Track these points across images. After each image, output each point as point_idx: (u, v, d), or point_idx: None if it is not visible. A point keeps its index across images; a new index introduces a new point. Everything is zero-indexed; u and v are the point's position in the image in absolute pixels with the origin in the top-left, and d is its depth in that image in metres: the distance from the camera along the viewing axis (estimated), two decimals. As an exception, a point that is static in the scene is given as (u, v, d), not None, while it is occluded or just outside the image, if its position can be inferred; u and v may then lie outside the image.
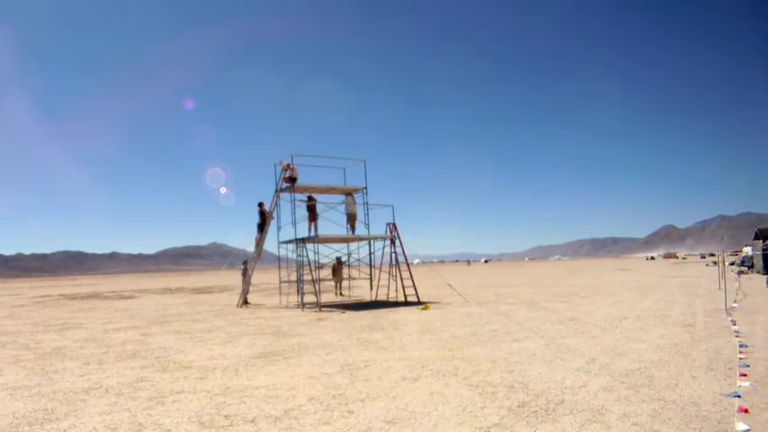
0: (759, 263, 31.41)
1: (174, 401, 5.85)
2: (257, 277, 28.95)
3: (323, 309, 16.48)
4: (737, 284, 19.40)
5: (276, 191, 18.43)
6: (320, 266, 19.10)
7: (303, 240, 17.36)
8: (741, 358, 7.12)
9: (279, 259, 18.86)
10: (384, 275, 18.97)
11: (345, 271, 21.50)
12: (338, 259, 21.02)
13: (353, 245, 20.41)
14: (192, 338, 10.88)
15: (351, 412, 5.26)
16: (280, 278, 19.26)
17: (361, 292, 22.99)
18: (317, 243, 18.07)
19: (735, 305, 13.77)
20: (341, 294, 21.78)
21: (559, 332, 10.09)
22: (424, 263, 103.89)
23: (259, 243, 19.09)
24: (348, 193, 19.00)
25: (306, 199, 18.04)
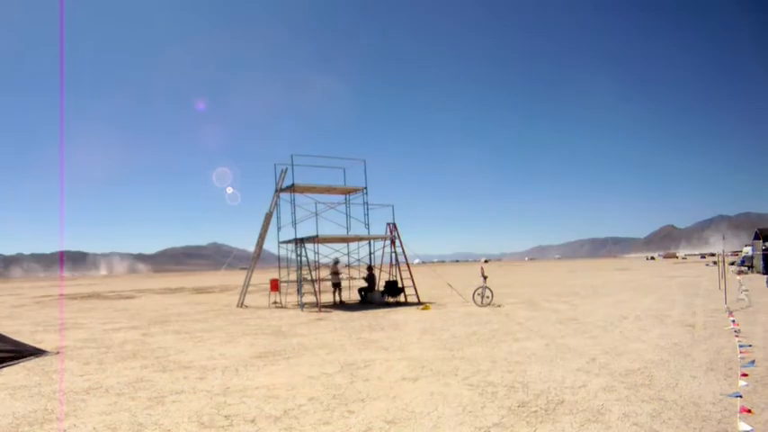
0: (759, 263, 31.40)
1: (174, 401, 5.85)
2: (257, 277, 28.96)
3: (323, 309, 16.48)
4: (738, 284, 19.38)
5: (276, 191, 18.45)
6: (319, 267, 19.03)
7: (303, 240, 17.35)
8: (742, 358, 7.12)
9: (279, 259, 18.85)
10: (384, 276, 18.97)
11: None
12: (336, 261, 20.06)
13: (353, 245, 20.39)
14: (192, 338, 10.87)
15: (351, 412, 5.25)
16: (280, 278, 19.26)
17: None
18: (317, 243, 18.06)
19: (741, 299, 13.75)
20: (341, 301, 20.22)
21: (559, 332, 10.09)
22: (424, 263, 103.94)
23: (258, 253, 19.31)
24: (348, 192, 18.95)
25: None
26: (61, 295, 33.48)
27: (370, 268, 19.00)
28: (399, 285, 18.38)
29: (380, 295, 18.30)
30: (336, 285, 19.02)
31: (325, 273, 20.49)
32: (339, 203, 19.32)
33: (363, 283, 19.09)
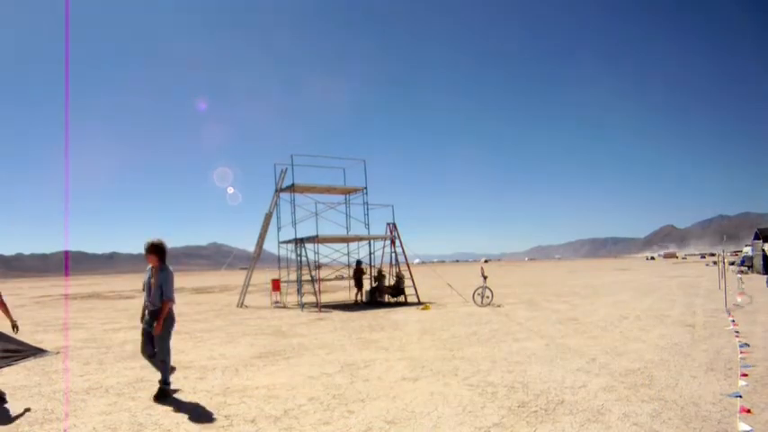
0: (759, 263, 31.39)
1: (173, 401, 5.85)
2: (257, 277, 28.98)
3: (323, 309, 16.48)
4: (737, 284, 19.40)
5: (276, 191, 18.45)
6: (319, 266, 19.03)
7: (303, 240, 17.35)
8: (742, 358, 7.12)
9: (279, 259, 18.86)
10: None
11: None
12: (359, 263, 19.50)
13: (353, 245, 20.39)
14: (192, 338, 10.87)
15: (351, 412, 5.25)
16: (280, 278, 19.26)
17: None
18: (317, 243, 18.06)
19: (738, 302, 13.76)
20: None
21: (559, 332, 10.09)
22: (424, 263, 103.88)
23: (258, 253, 19.32)
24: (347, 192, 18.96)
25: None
26: (66, 295, 33.50)
27: (380, 270, 19.02)
28: (401, 285, 18.40)
29: (392, 295, 18.35)
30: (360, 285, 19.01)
31: (325, 273, 20.49)
32: (339, 203, 19.34)
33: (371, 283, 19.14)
